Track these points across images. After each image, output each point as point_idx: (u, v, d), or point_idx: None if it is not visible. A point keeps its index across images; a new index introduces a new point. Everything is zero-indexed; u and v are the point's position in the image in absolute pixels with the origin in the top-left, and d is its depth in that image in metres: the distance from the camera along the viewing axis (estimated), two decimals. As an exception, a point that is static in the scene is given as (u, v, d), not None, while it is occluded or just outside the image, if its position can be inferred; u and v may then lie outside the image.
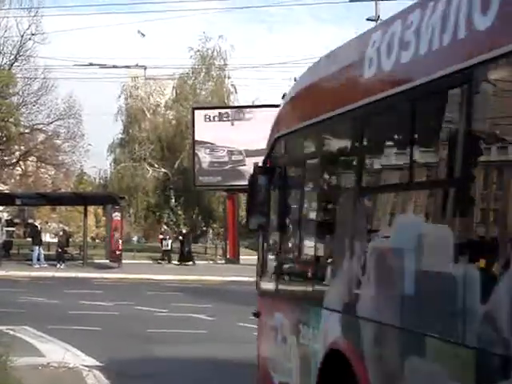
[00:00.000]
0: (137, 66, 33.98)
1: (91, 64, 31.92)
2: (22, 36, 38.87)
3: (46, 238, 41.92)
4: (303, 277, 6.52)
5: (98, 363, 10.66)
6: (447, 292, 4.25)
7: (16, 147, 43.56)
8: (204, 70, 45.47)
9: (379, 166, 5.43)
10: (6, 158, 42.88)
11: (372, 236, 5.30)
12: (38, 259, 32.58)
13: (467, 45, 4.26)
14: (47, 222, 48.22)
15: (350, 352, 5.30)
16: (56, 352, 11.25)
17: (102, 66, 32.89)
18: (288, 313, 6.67)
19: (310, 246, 6.50)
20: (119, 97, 47.05)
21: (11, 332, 12.67)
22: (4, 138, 40.48)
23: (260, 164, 7.54)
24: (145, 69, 35.07)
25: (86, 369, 10.15)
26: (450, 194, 4.52)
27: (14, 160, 44.10)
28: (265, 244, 7.60)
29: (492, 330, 3.87)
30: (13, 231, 44.35)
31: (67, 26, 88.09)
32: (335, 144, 6.29)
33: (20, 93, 40.28)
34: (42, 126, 42.54)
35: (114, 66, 33.01)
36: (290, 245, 7.07)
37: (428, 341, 4.38)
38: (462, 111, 4.30)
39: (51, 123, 42.43)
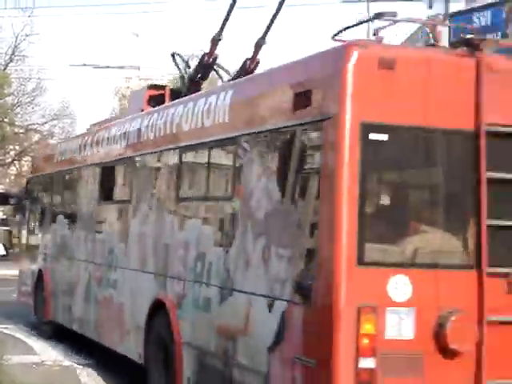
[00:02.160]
0: (131, 66, 34.08)
1: (85, 64, 32.03)
2: (17, 37, 38.97)
3: (41, 237, 41.91)
4: (31, 244, 14.66)
5: (91, 361, 10.77)
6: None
7: (11, 147, 43.59)
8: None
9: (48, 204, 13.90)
10: (0, 158, 42.91)
11: (49, 228, 13.27)
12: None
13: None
14: (42, 222, 48.17)
15: (43, 269, 13.18)
16: (50, 350, 11.39)
17: (96, 66, 33.01)
18: (28, 259, 14.59)
19: (36, 231, 14.44)
20: (114, 97, 47.11)
21: (5, 330, 12.80)
22: (-1, 138, 40.53)
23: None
24: (138, 69, 35.17)
25: (80, 367, 10.28)
26: None
27: (9, 160, 44.15)
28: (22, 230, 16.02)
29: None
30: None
31: (61, 27, 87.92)
32: (40, 188, 14.62)
33: (15, 93, 40.33)
34: (36, 126, 42.60)
35: (108, 67, 33.14)
36: (27, 230, 15.14)
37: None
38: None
39: (46, 123, 42.53)
